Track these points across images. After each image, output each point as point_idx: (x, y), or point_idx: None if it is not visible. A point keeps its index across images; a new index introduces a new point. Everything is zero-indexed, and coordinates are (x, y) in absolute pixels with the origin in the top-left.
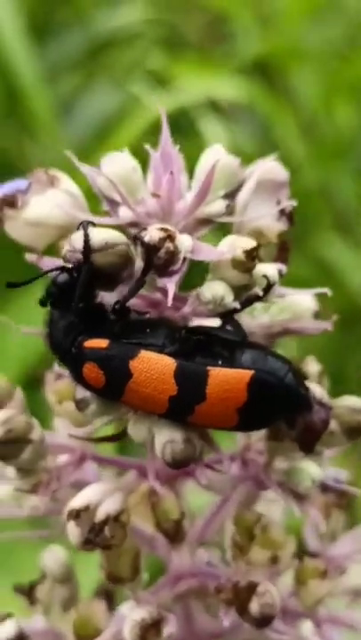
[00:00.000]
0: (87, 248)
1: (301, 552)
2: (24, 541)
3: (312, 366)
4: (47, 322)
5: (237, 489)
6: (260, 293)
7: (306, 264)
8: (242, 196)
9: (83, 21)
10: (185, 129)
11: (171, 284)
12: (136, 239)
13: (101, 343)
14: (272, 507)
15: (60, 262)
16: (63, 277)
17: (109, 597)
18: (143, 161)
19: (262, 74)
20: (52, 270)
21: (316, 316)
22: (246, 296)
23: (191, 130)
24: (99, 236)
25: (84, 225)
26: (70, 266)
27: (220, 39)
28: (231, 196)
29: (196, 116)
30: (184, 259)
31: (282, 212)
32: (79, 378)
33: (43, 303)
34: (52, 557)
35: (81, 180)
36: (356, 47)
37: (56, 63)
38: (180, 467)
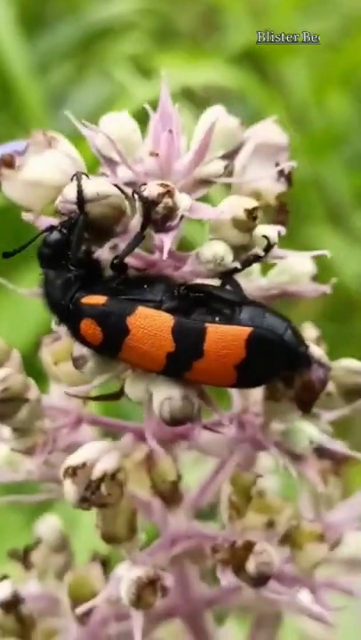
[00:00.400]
0: (80, 198)
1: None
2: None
3: (310, 331)
4: (43, 282)
5: (234, 451)
6: (261, 253)
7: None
8: (241, 158)
9: (74, 12)
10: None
11: (167, 240)
12: (135, 193)
13: (99, 299)
14: (269, 475)
15: (56, 222)
16: (55, 235)
17: (104, 564)
18: None
19: (254, 64)
20: (45, 231)
21: (314, 279)
22: (246, 256)
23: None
24: (91, 186)
25: (78, 176)
26: (60, 223)
27: (212, 30)
28: (230, 156)
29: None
30: (182, 216)
31: (281, 172)
32: (77, 334)
33: (40, 263)
34: (47, 525)
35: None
36: (348, 38)
37: (48, 55)
38: (178, 424)
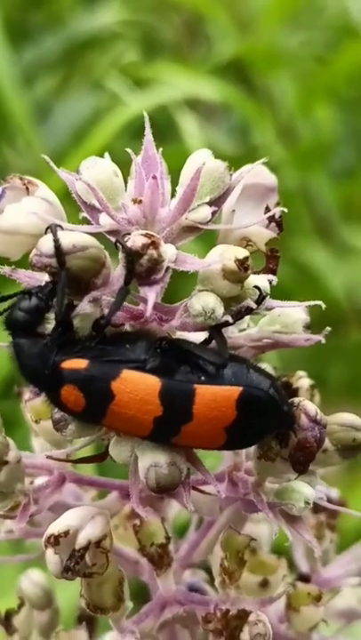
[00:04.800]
0: (60, 252)
1: (293, 575)
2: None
3: (303, 380)
4: (16, 353)
5: (225, 510)
6: (253, 306)
7: (286, 268)
8: (229, 201)
9: (58, 24)
10: (161, 128)
11: (152, 293)
12: (117, 244)
13: (80, 363)
14: (259, 527)
15: (35, 275)
16: (33, 301)
17: (91, 624)
18: (120, 162)
19: (239, 75)
20: (19, 294)
21: (307, 327)
22: (238, 308)
23: (167, 129)
24: (67, 238)
25: (53, 228)
26: (35, 288)
27: (196, 40)
28: (217, 202)
29: (175, 116)
30: (167, 268)
31: (271, 218)
32: (57, 401)
33: (10, 331)
34: (31, 582)
35: (58, 183)
36: (334, 50)
37: (32, 66)
38: (165, 492)
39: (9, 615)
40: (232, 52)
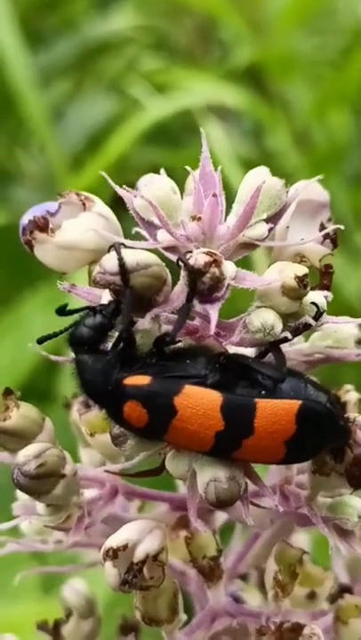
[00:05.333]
0: (124, 270)
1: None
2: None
3: (351, 394)
4: (79, 370)
5: (275, 523)
6: (311, 322)
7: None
8: (283, 218)
9: (72, 28)
10: (177, 133)
11: (214, 311)
12: (180, 262)
13: (143, 379)
14: (298, 537)
15: (94, 291)
16: (98, 319)
17: (136, 633)
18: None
19: (253, 80)
20: (82, 309)
21: (359, 342)
22: (296, 325)
23: (183, 134)
24: (131, 256)
25: (117, 246)
26: (100, 306)
27: (209, 45)
28: (274, 218)
29: (199, 121)
30: (227, 285)
31: (326, 235)
32: (119, 418)
33: (73, 348)
34: (74, 591)
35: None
36: (349, 56)
37: (47, 70)
38: (224, 507)
39: (57, 625)
40: (247, 57)
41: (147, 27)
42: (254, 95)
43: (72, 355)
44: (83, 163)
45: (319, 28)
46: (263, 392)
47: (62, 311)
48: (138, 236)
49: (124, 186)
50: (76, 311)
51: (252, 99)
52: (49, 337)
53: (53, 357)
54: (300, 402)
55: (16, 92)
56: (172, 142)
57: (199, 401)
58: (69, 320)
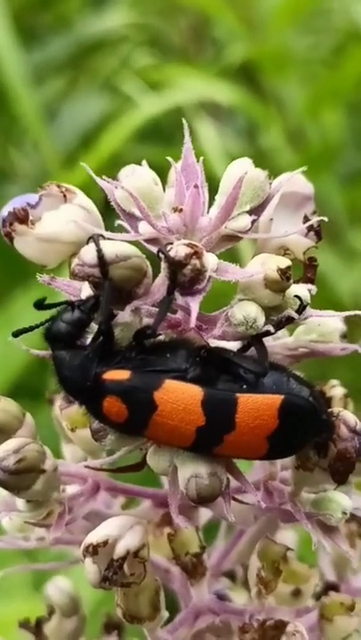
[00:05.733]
0: (103, 262)
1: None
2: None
3: (337, 389)
4: (55, 365)
5: (259, 520)
6: (294, 315)
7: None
8: (267, 211)
9: (66, 26)
10: (170, 130)
11: (195, 303)
12: (160, 253)
13: (122, 374)
14: (284, 534)
15: (73, 283)
16: (76, 314)
17: (119, 631)
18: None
19: (247, 79)
20: (60, 304)
21: (344, 336)
22: (279, 318)
23: (176, 131)
24: (110, 248)
25: (95, 238)
26: (78, 301)
27: (202, 43)
28: (257, 210)
29: (191, 118)
30: (209, 277)
31: (310, 227)
32: (99, 413)
33: (50, 343)
34: (58, 589)
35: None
36: (343, 54)
37: (40, 68)
38: (205, 502)
39: (39, 623)
40: (241, 55)
41: (141, 25)
42: (248, 93)
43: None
44: (76, 160)
45: (313, 28)
46: (245, 386)
47: (41, 305)
48: (121, 229)
49: (104, 177)
50: (55, 305)
51: (245, 96)
52: (25, 330)
53: (39, 353)
54: (282, 396)
55: (9, 90)
56: (166, 140)
57: (180, 396)
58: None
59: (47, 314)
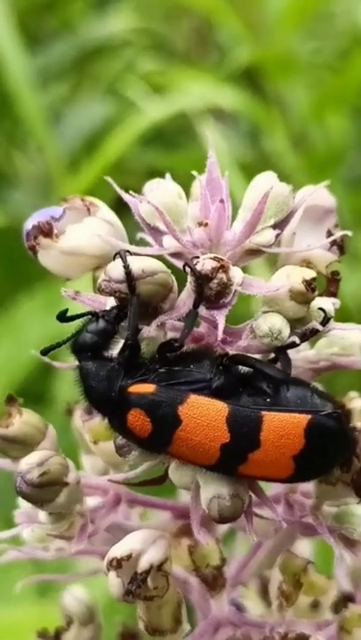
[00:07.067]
0: (130, 278)
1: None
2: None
3: (356, 402)
4: (83, 376)
5: (279, 533)
6: (319, 327)
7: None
8: (290, 225)
9: (70, 30)
10: (173, 134)
11: (221, 317)
12: (187, 267)
13: (147, 387)
14: (300, 546)
15: (98, 298)
16: (101, 324)
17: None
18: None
19: (251, 83)
20: (86, 314)
21: None
22: (303, 330)
23: (180, 136)
24: (137, 264)
25: (122, 254)
26: (103, 311)
27: (206, 47)
28: (281, 224)
29: (196, 123)
30: (235, 291)
31: (333, 241)
32: (123, 427)
33: (76, 355)
34: (74, 598)
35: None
36: (347, 59)
37: (44, 72)
38: (227, 522)
39: (58, 633)
40: (246, 59)
41: (144, 29)
42: (252, 97)
43: (75, 361)
44: (80, 165)
45: (317, 32)
46: (268, 400)
47: (63, 317)
48: (142, 242)
49: (130, 191)
50: (77, 317)
51: (249, 101)
52: (52, 348)
53: (49, 361)
54: (309, 416)
55: (14, 94)
56: (169, 144)
57: (204, 411)
58: (66, 324)
59: (53, 321)
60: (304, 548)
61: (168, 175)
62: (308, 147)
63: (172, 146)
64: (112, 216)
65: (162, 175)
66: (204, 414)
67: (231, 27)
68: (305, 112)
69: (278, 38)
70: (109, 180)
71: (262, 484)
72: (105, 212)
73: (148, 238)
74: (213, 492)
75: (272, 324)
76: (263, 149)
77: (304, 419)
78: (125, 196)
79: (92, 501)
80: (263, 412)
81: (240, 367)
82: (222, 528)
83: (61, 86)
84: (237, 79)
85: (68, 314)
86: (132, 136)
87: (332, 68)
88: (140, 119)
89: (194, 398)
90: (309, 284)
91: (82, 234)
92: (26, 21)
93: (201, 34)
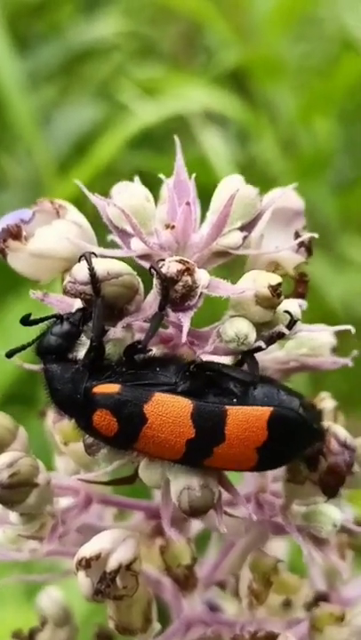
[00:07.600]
0: (95, 280)
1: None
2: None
3: (327, 402)
4: (46, 379)
5: (250, 532)
6: (285, 331)
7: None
8: (258, 227)
9: (59, 34)
10: (161, 138)
11: (186, 319)
12: (152, 269)
13: (112, 388)
14: (274, 545)
15: (65, 299)
16: (65, 327)
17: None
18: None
19: (239, 86)
20: (51, 317)
21: (334, 350)
22: (270, 334)
23: (166, 139)
24: (102, 266)
25: (87, 256)
26: (67, 314)
27: (193, 50)
28: (248, 227)
29: (183, 126)
30: (200, 294)
31: (301, 243)
32: (89, 427)
33: (42, 357)
34: (50, 599)
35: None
36: (332, 62)
37: (33, 75)
38: (198, 515)
39: (32, 634)
40: (233, 62)
41: (132, 33)
42: (239, 100)
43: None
44: (69, 168)
45: (305, 36)
46: (235, 399)
47: (27, 321)
48: (113, 244)
49: (96, 194)
50: (42, 320)
51: (237, 104)
52: (17, 350)
53: (28, 366)
54: (271, 408)
55: (3, 97)
56: (157, 147)
57: (169, 409)
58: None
59: (39, 327)
60: (279, 547)
61: (137, 178)
62: (296, 150)
63: (160, 148)
64: (81, 218)
65: (151, 177)
66: (169, 411)
67: (218, 30)
68: (293, 115)
69: (265, 42)
70: (81, 185)
71: (233, 482)
72: (74, 214)
73: (117, 240)
74: (183, 483)
75: (238, 329)
76: (251, 152)
77: (267, 411)
78: (93, 199)
79: (64, 502)
80: (227, 407)
81: (207, 373)
82: (195, 529)
83: (50, 89)
84: (225, 82)
85: (32, 318)
86: (121, 139)
87: (320, 71)
88: (130, 122)
89: (159, 396)
90: (275, 289)
91: (50, 236)
92: (15, 25)
93: (189, 37)
